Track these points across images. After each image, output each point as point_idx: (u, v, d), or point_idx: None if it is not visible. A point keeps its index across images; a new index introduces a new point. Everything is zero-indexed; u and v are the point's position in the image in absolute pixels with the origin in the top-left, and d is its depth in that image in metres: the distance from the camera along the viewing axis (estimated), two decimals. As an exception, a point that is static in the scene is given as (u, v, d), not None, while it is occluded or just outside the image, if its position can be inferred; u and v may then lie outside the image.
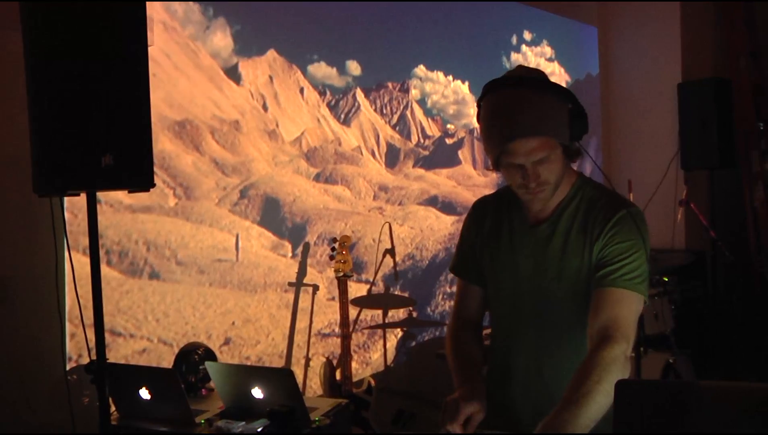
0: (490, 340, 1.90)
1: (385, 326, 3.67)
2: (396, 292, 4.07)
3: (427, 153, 4.52)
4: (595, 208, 1.69)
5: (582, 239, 1.67)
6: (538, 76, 1.65)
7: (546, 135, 1.59)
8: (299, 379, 3.56)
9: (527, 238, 1.75)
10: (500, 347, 1.84)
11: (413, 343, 4.18)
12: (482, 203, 1.91)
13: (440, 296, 4.39)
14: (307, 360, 3.63)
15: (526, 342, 1.75)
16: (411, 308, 3.89)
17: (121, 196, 2.91)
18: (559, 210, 1.72)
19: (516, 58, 5.13)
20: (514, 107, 1.59)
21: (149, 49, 1.80)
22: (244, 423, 2.02)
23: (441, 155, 4.61)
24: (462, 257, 1.91)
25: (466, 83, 4.74)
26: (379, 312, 3.73)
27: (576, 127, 1.63)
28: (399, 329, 4.08)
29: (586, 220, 1.68)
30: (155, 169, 1.84)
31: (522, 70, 1.69)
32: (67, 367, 2.67)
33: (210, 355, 2.51)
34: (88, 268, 1.80)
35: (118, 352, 2.88)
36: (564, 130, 1.61)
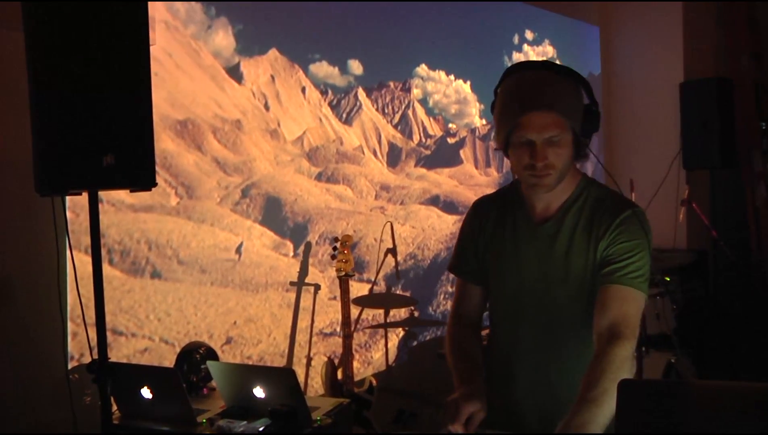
0: (488, 339, 1.89)
1: (386, 326, 3.67)
2: (397, 292, 4.07)
3: (428, 152, 4.51)
4: (601, 207, 1.69)
5: (587, 238, 1.67)
6: (560, 64, 1.67)
7: (560, 114, 1.60)
8: (301, 378, 3.56)
9: (531, 236, 1.74)
10: (502, 347, 1.82)
11: (415, 343, 4.18)
12: (484, 202, 1.90)
13: (442, 296, 4.39)
14: (309, 359, 3.63)
15: (530, 342, 1.74)
16: (412, 308, 3.89)
17: (122, 195, 2.92)
18: (563, 209, 1.72)
19: (518, 58, 5.13)
20: (532, 84, 1.62)
21: (151, 48, 1.80)
22: (245, 422, 2.02)
23: (443, 155, 4.61)
24: (461, 256, 1.89)
25: (468, 83, 4.73)
26: (381, 311, 3.73)
27: (588, 122, 1.67)
28: (401, 329, 4.08)
29: (591, 219, 1.68)
30: (157, 168, 1.84)
31: (546, 61, 1.71)
32: (69, 367, 2.67)
33: (211, 354, 2.51)
34: (89, 268, 1.80)
35: (120, 352, 2.88)
36: (578, 117, 1.64)
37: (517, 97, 1.62)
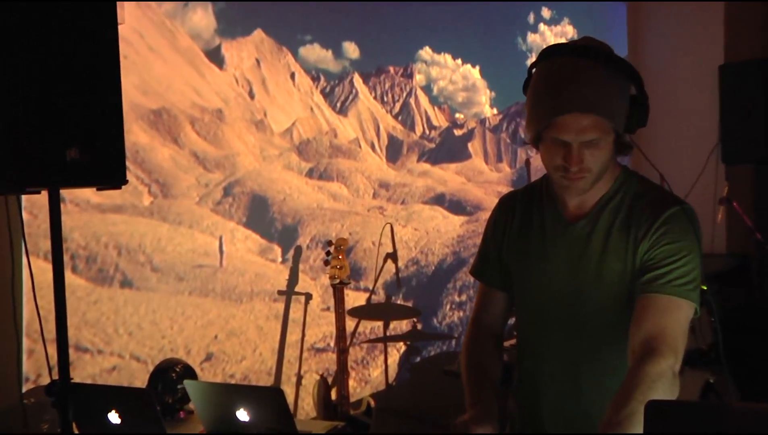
0: (517, 350, 1.90)
1: (386, 340, 3.68)
2: (398, 302, 4.08)
3: (432, 146, 4.52)
4: (641, 204, 1.67)
5: (624, 239, 1.66)
6: (605, 48, 1.62)
7: (603, 115, 1.57)
8: (290, 399, 3.57)
9: (562, 236, 1.74)
10: (528, 359, 1.83)
11: (417, 359, 4.19)
12: (510, 198, 1.90)
13: (448, 306, 4.39)
14: (299, 377, 3.64)
15: (558, 353, 1.74)
16: (415, 319, 3.89)
17: (88, 193, 2.92)
18: (599, 206, 1.71)
19: (533, 39, 5.13)
20: (572, 77, 1.57)
21: (120, 27, 1.80)
22: (226, 449, 2.02)
23: (448, 148, 4.62)
24: (484, 259, 1.90)
25: (477, 67, 4.74)
26: (380, 324, 3.74)
27: (635, 117, 1.63)
28: (402, 343, 4.09)
29: (629, 217, 1.67)
30: (127, 163, 1.85)
31: (588, 40, 1.66)
32: (24, 389, 2.66)
33: (189, 372, 2.52)
34: (49, 276, 1.81)
35: (85, 371, 2.89)
36: (622, 116, 1.61)
37: (554, 91, 1.58)
